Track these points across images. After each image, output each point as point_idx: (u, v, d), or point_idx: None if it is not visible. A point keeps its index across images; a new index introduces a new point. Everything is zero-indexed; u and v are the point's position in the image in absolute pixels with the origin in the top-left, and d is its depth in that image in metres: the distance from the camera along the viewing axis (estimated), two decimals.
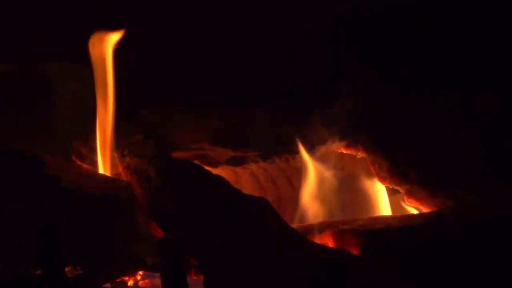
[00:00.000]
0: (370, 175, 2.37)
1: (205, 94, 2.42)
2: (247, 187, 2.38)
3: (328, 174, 2.30)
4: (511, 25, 2.25)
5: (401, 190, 2.28)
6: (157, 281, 2.12)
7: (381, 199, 2.35)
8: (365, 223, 2.01)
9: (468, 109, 2.19)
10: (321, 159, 2.36)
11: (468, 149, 2.15)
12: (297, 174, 2.46)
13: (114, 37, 2.29)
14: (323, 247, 1.86)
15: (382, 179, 2.31)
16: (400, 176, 2.26)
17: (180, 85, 2.48)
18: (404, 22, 2.37)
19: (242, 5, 2.50)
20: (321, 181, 2.29)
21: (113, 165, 2.30)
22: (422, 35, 2.36)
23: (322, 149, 2.34)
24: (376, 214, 2.29)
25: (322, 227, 2.07)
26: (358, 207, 2.35)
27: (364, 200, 2.35)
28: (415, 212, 2.29)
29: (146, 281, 2.20)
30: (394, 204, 2.38)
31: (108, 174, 2.29)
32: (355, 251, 1.86)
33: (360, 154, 2.35)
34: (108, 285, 2.04)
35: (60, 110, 2.75)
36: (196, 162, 2.21)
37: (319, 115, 2.31)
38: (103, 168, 2.31)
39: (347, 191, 2.38)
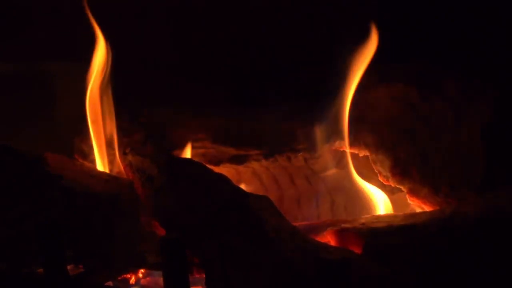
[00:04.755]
0: (372, 174, 2.37)
1: (207, 93, 2.42)
2: (249, 185, 2.39)
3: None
4: None
5: (403, 189, 2.28)
6: (159, 279, 2.13)
7: (382, 198, 2.35)
8: (366, 222, 2.01)
9: (469, 106, 2.19)
10: (324, 158, 2.37)
11: (469, 146, 2.16)
12: (299, 173, 2.46)
13: None
14: (325, 246, 1.85)
15: (385, 178, 2.31)
16: (402, 174, 2.26)
17: (182, 84, 2.48)
18: (404, 20, 2.38)
19: (242, 3, 2.51)
20: None
21: (109, 162, 2.31)
22: (423, 33, 2.36)
23: (325, 147, 2.34)
24: (378, 213, 2.29)
25: (324, 225, 2.08)
26: (359, 206, 2.35)
27: (365, 199, 2.35)
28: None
29: (148, 279, 2.20)
30: (395, 203, 2.38)
31: (106, 170, 2.29)
32: (357, 250, 1.86)
33: (363, 153, 2.35)
34: (110, 283, 2.04)
35: (61, 109, 2.76)
36: (198, 160, 2.21)
37: (321, 113, 2.31)
38: (100, 164, 2.32)
39: (349, 190, 2.39)
